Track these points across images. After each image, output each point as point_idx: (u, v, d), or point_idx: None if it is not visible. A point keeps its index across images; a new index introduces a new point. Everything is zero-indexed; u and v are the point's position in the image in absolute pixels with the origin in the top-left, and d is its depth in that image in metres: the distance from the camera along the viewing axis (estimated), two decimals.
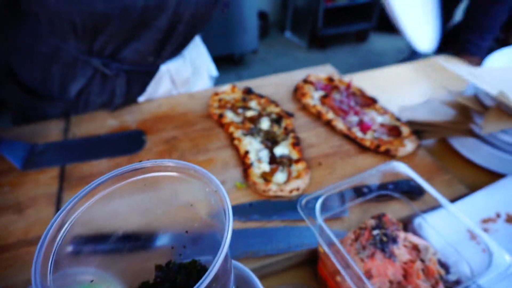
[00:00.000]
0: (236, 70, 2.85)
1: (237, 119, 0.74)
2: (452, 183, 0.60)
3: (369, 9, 3.04)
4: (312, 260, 0.50)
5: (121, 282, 0.27)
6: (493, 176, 0.61)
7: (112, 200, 0.26)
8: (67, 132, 0.73)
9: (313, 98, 0.79)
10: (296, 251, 0.49)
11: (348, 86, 0.81)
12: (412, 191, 0.52)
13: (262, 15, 3.15)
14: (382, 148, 0.65)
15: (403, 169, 0.47)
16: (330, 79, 0.84)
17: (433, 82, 0.90)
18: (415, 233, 0.47)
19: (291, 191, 0.57)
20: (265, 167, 0.62)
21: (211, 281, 0.19)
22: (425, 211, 0.47)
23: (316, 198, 0.43)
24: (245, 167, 0.62)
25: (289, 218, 0.54)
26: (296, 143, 0.66)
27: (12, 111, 0.84)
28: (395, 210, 0.51)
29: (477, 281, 0.36)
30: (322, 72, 0.90)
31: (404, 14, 0.73)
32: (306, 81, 0.83)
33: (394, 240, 0.42)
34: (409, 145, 0.66)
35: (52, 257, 0.22)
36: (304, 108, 0.78)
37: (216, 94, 0.80)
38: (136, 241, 0.29)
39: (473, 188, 0.58)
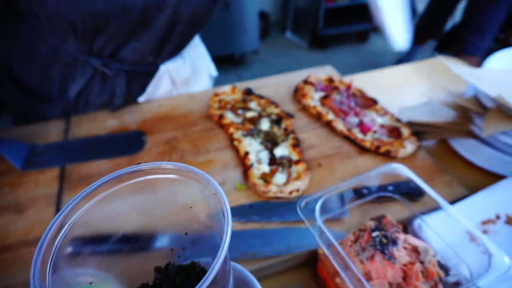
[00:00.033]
0: (237, 70, 2.85)
1: (237, 120, 0.74)
2: (452, 184, 0.60)
3: (370, 10, 3.03)
4: (311, 262, 0.50)
5: (120, 283, 0.27)
6: (493, 178, 0.61)
7: (111, 202, 0.26)
8: (67, 132, 0.73)
9: (313, 99, 0.79)
10: (296, 252, 0.49)
11: (349, 87, 0.81)
12: (412, 193, 0.52)
13: (263, 15, 3.15)
14: (382, 149, 0.65)
15: (403, 171, 0.47)
16: (330, 80, 0.84)
17: (433, 83, 0.89)
18: (415, 235, 0.47)
19: (291, 192, 0.57)
20: (265, 168, 0.62)
21: (210, 283, 0.19)
22: (424, 212, 0.47)
23: (316, 200, 0.43)
24: (245, 168, 0.62)
25: (288, 219, 0.54)
26: (296, 144, 0.66)
27: (12, 112, 0.85)
28: (395, 211, 0.51)
29: (476, 283, 0.36)
30: (322, 72, 0.90)
31: (389, 13, 0.76)
32: (306, 82, 0.83)
33: (393, 242, 0.42)
34: (409, 146, 0.66)
35: (52, 258, 0.22)
36: (304, 109, 0.78)
37: (216, 95, 0.80)
38: (136, 242, 0.29)
39: (473, 190, 0.58)
